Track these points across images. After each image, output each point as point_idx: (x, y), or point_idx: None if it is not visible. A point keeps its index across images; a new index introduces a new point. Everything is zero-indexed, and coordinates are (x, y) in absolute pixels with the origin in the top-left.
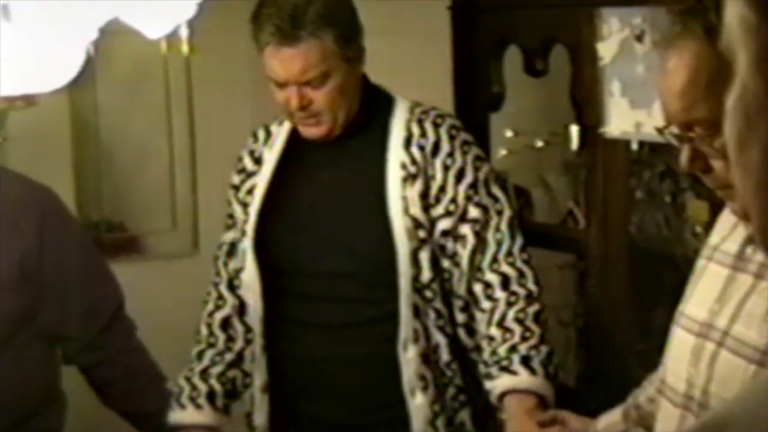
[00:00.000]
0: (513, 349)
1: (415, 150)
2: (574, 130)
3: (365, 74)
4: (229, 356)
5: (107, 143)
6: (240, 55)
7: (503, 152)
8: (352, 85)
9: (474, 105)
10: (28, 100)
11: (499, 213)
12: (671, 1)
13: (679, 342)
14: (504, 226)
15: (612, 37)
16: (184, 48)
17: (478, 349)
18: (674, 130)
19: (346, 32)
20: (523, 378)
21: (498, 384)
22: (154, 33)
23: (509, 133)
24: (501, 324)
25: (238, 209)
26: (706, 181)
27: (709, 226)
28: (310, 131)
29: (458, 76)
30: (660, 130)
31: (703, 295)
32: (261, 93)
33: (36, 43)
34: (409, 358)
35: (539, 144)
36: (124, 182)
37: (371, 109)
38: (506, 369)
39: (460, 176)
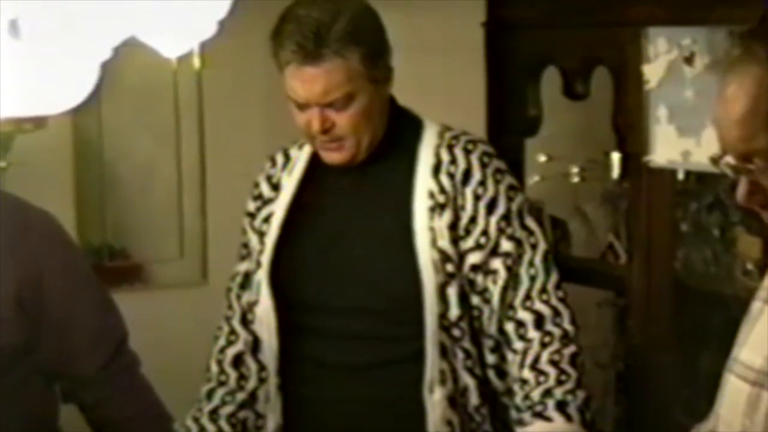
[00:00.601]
0: (547, 393)
1: (444, 178)
2: (616, 157)
3: (392, 96)
4: (240, 396)
5: (111, 164)
6: (255, 71)
7: (536, 178)
8: (377, 107)
9: (508, 129)
10: (38, 122)
11: (534, 246)
12: (726, 21)
13: (733, 390)
14: (538, 261)
15: (659, 58)
16: (196, 63)
17: (510, 392)
18: (730, 160)
19: (373, 51)
20: (558, 425)
21: (531, 431)
22: (172, 52)
23: (542, 158)
24: (534, 366)
25: (253, 238)
26: (765, 217)
27: (761, 264)
28: (331, 156)
29: (492, 98)
30: (714, 160)
31: (759, 340)
32: (276, 112)
33: (47, 61)
34: (435, 401)
35: (575, 171)
36: (129, 206)
37: (398, 133)
38: (540, 415)
39: (491, 207)
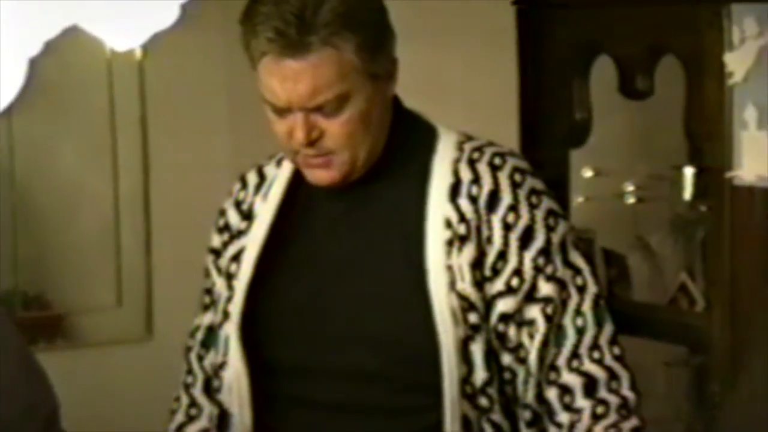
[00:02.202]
0: None
1: (464, 202)
2: (689, 173)
3: (397, 96)
4: None
5: (24, 188)
6: (215, 64)
7: (580, 199)
8: (378, 111)
9: (548, 138)
10: None
11: (581, 289)
12: None
13: None
14: (587, 308)
15: (746, 45)
16: (137, 53)
17: None
18: None
19: (373, 39)
20: None
21: None
22: (123, 43)
23: (589, 173)
24: None
25: (219, 282)
26: None
27: None
28: (319, 175)
29: (526, 97)
30: None
31: None
32: (245, 118)
33: None
34: None
35: (635, 190)
36: (48, 241)
37: (404, 144)
38: None
39: (526, 238)
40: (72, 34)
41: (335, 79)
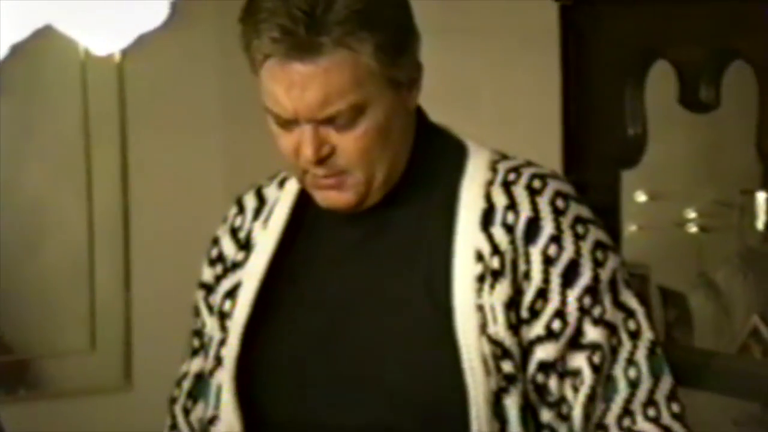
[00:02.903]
0: None
1: (498, 231)
2: (761, 198)
3: (421, 107)
4: None
5: None
6: (206, 67)
7: (633, 228)
8: (399, 124)
9: (596, 157)
10: None
11: (634, 334)
12: None
13: None
14: (641, 357)
15: None
16: (115, 55)
17: None
18: None
19: (394, 40)
20: None
21: None
22: (104, 46)
23: (643, 198)
24: None
25: (210, 322)
26: None
27: None
28: (330, 198)
29: (571, 109)
30: None
31: None
32: (242, 131)
33: None
34: None
35: (696, 217)
36: (9, 272)
37: (429, 163)
38: None
39: (570, 274)
40: (43, 35)
41: (350, 87)
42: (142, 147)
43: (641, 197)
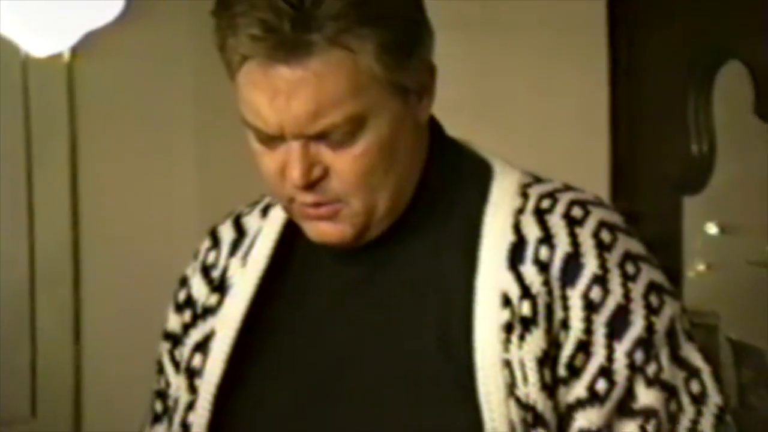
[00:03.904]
0: None
1: (529, 270)
2: None
3: (435, 119)
4: None
5: None
6: (176, 70)
7: (701, 268)
8: (407, 140)
9: (651, 180)
10: None
11: (698, 399)
12: None
13: None
14: (707, 426)
15: None
16: (63, 55)
17: None
18: None
19: (401, 38)
20: None
21: None
22: (47, 46)
23: (713, 230)
24: None
25: (175, 381)
26: None
27: None
28: (322, 230)
29: (621, 122)
30: None
31: None
32: (214, 146)
33: None
34: None
35: None
36: None
37: (445, 187)
38: None
39: (618, 324)
40: None
41: (347, 95)
42: (95, 166)
43: (711, 229)
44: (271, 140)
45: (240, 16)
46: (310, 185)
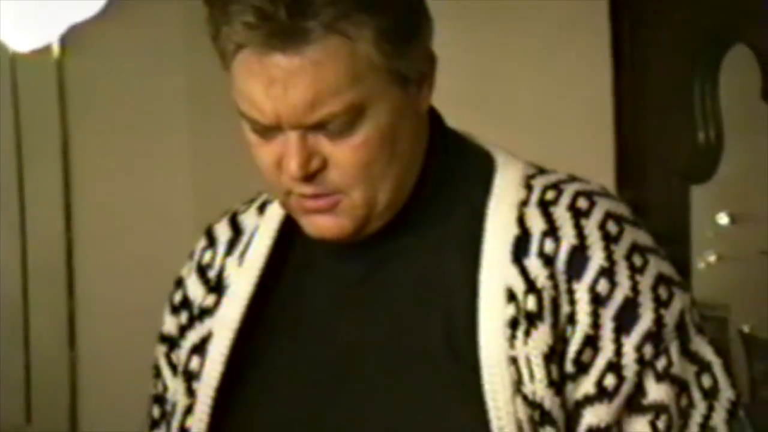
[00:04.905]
0: None
1: (534, 263)
2: None
3: (435, 109)
4: None
5: None
6: (170, 62)
7: (712, 258)
8: (408, 130)
9: (657, 168)
10: None
11: (709, 393)
12: None
13: None
14: (719, 421)
15: None
16: (53, 49)
17: None
18: None
19: (400, 25)
20: None
21: None
22: (28, 41)
23: (724, 220)
24: None
25: (173, 385)
26: None
27: None
28: (322, 225)
29: (625, 109)
30: None
31: None
32: (210, 140)
33: None
34: None
35: None
36: None
37: (447, 179)
38: None
39: (626, 318)
40: None
41: (345, 83)
42: (88, 163)
43: (721, 219)
44: (268, 131)
45: (234, 3)
46: (308, 177)
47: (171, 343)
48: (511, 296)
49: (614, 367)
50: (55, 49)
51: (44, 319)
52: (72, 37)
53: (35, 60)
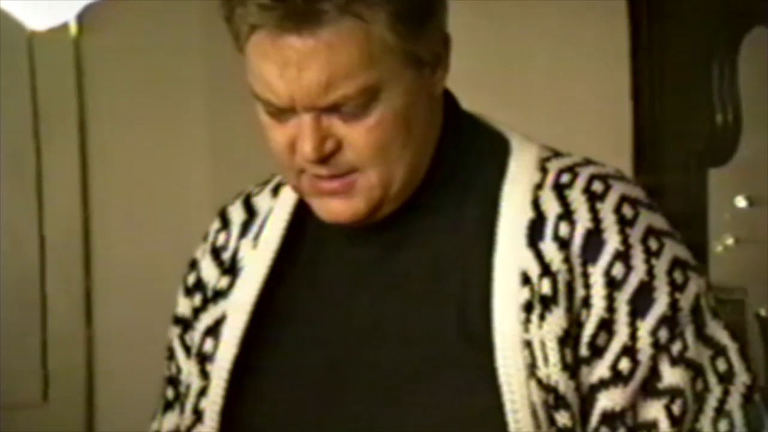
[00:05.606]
0: None
1: (549, 247)
2: None
3: (450, 92)
4: None
5: None
6: (186, 43)
7: (730, 242)
8: (422, 112)
9: (675, 152)
10: None
11: (725, 378)
12: None
13: None
14: (735, 406)
15: None
16: (70, 27)
17: None
18: None
19: (414, 7)
20: None
21: None
22: (47, 21)
23: (742, 203)
24: None
25: (187, 367)
26: None
27: None
28: (335, 207)
29: (643, 91)
30: None
31: None
32: (226, 122)
33: None
34: None
35: None
36: None
37: (461, 162)
38: None
39: (641, 301)
40: None
41: (359, 65)
42: (105, 143)
43: (740, 202)
44: (282, 113)
45: None
46: (323, 159)
47: (185, 324)
48: (526, 280)
49: (629, 351)
50: (72, 27)
51: (61, 297)
52: (89, 15)
53: (52, 39)
